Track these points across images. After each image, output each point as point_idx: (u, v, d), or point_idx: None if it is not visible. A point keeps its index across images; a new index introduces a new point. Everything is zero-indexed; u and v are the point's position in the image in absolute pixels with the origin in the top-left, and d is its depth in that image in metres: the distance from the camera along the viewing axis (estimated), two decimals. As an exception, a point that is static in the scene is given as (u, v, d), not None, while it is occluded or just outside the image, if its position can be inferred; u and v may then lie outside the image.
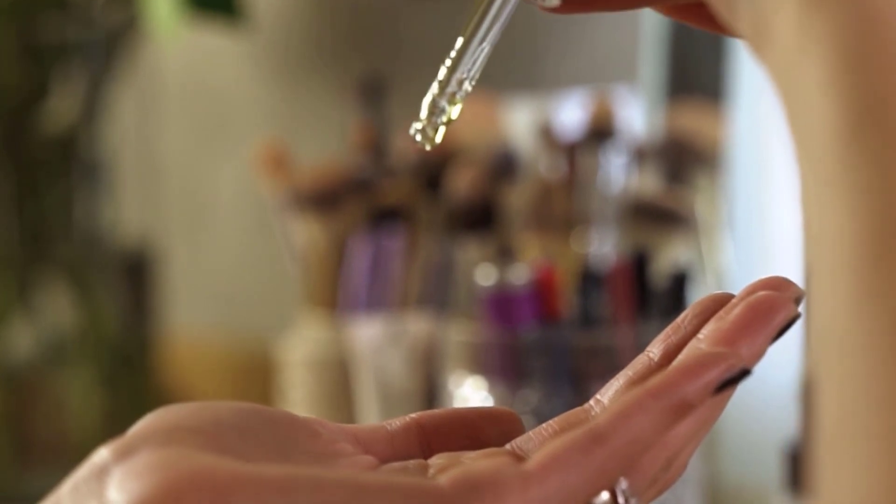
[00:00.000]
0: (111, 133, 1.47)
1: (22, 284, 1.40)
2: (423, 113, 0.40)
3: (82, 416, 1.39)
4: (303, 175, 1.04)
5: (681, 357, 0.38)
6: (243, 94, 1.46)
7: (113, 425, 1.38)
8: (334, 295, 1.02)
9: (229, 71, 1.47)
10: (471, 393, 0.83)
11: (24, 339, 1.43)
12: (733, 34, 0.35)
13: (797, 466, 0.90)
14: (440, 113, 0.40)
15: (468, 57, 0.40)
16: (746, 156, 0.99)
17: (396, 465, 0.37)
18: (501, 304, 0.81)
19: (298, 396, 1.00)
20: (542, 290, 0.82)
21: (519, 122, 1.06)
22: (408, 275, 0.97)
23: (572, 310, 0.83)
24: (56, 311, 1.42)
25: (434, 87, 0.40)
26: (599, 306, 0.83)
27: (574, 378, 0.81)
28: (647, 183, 1.01)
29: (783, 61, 0.32)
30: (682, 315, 0.40)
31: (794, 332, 1.00)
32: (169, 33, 1.27)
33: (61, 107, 1.40)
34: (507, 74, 1.24)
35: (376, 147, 1.06)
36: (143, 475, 0.33)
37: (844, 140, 0.30)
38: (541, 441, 0.37)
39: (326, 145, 1.31)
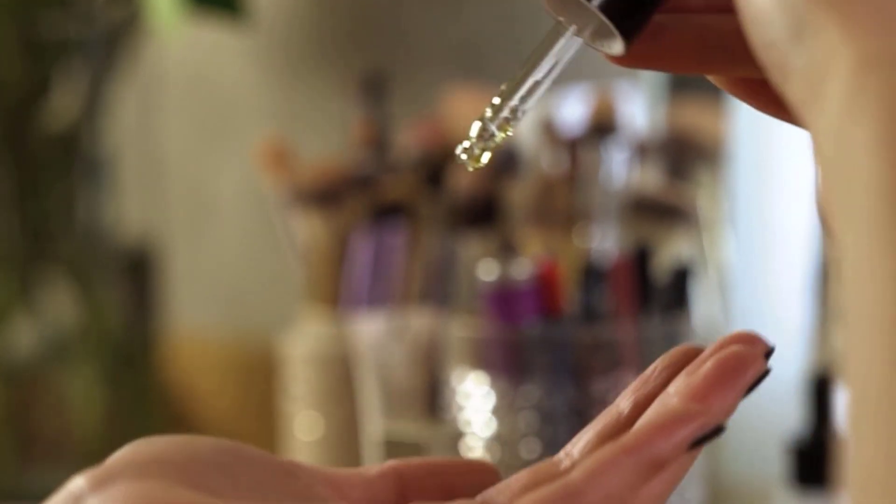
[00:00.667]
0: (113, 130, 1.47)
1: (24, 282, 1.40)
2: (473, 133, 0.40)
3: (85, 413, 1.39)
4: (304, 171, 1.04)
5: (652, 412, 0.38)
6: (245, 91, 1.46)
7: (115, 422, 1.38)
8: (336, 291, 1.02)
9: (231, 67, 1.47)
10: (473, 388, 0.83)
11: (26, 336, 1.43)
12: (798, 123, 0.34)
13: (800, 462, 0.90)
14: (489, 137, 0.40)
15: (525, 87, 0.41)
16: (748, 151, 0.99)
17: None
18: (503, 299, 0.81)
19: (301, 392, 1.00)
20: (544, 286, 0.82)
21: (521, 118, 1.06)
22: (410, 271, 0.98)
23: (574, 305, 0.83)
24: (58, 308, 1.42)
25: (487, 111, 0.40)
26: (601, 302, 0.83)
27: (576, 373, 0.81)
28: (649, 178, 1.01)
29: (833, 127, 0.32)
30: (652, 367, 0.40)
31: (800, 329, 1.00)
32: (170, 30, 1.27)
33: (63, 104, 1.40)
34: (510, 70, 1.24)
35: (378, 143, 1.06)
36: None
37: (894, 203, 0.29)
38: (512, 494, 0.37)
39: (328, 141, 1.31)
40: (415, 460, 0.40)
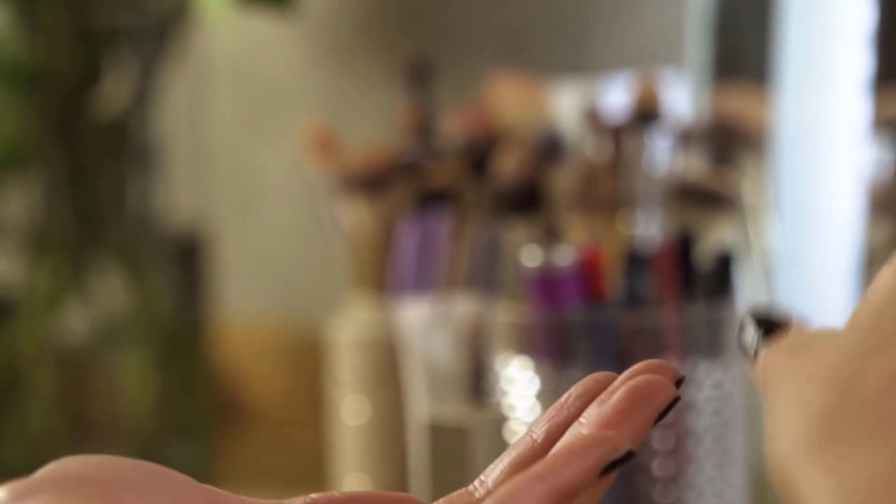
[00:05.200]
0: (163, 117, 1.48)
1: (76, 268, 1.42)
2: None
3: (135, 398, 1.40)
4: (351, 158, 1.05)
5: (564, 440, 0.39)
6: (292, 78, 1.47)
7: (165, 407, 1.40)
8: (382, 277, 1.02)
9: (278, 55, 1.48)
10: (517, 373, 0.84)
11: (78, 321, 1.45)
12: None
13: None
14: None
15: None
16: (793, 138, 0.99)
17: None
18: (547, 285, 0.82)
19: (347, 377, 1.01)
20: (588, 272, 0.82)
21: (565, 105, 1.06)
22: (455, 256, 0.98)
23: (618, 291, 0.84)
24: (109, 293, 1.43)
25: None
26: (645, 287, 0.83)
27: (619, 358, 0.81)
28: (693, 165, 1.01)
29: None
30: (566, 395, 0.40)
31: (844, 315, 1.00)
32: (219, 19, 1.29)
33: (114, 92, 1.42)
34: (554, 57, 1.24)
35: (423, 130, 1.06)
36: None
37: None
38: None
39: (374, 128, 1.32)
40: (336, 494, 0.40)
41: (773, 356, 0.35)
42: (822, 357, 0.33)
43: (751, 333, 0.37)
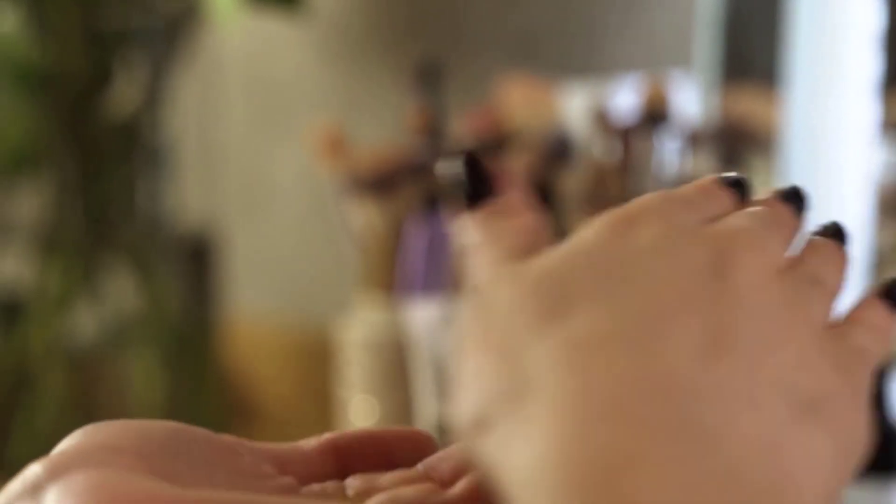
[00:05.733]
0: (173, 119, 1.49)
1: (86, 268, 1.42)
2: None
3: (145, 397, 1.41)
4: (360, 159, 1.05)
5: None
6: (302, 80, 1.47)
7: (175, 406, 1.40)
8: (391, 277, 1.03)
9: (288, 57, 1.48)
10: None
11: (88, 321, 1.45)
12: None
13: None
14: None
15: None
16: (801, 139, 0.99)
17: (315, 487, 0.38)
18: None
19: (356, 377, 1.02)
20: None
21: (574, 106, 1.06)
22: (463, 257, 0.98)
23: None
24: (120, 294, 1.44)
25: None
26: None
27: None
28: (702, 166, 1.01)
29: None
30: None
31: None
32: (228, 20, 1.29)
33: (124, 93, 1.42)
34: (563, 59, 1.24)
35: (433, 131, 1.07)
36: (80, 496, 0.34)
37: None
38: (453, 461, 0.38)
39: (384, 130, 1.32)
40: (351, 432, 0.40)
41: (481, 269, 0.35)
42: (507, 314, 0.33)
43: (456, 175, 0.38)
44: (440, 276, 0.98)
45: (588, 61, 1.23)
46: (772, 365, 0.33)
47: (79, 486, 0.34)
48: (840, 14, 0.97)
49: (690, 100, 1.07)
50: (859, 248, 0.97)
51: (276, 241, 1.52)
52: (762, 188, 1.05)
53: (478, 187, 0.37)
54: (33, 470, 0.35)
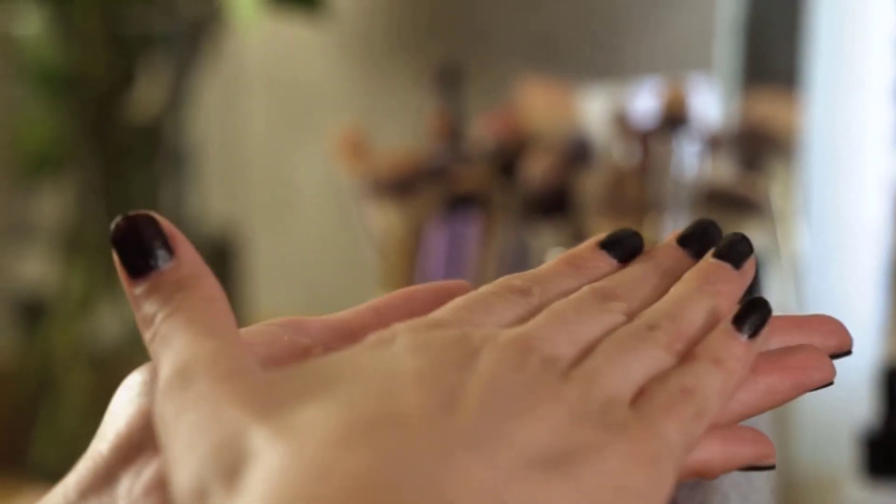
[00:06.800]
0: (196, 121, 1.49)
1: (109, 270, 1.43)
2: None
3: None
4: (381, 162, 1.05)
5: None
6: (324, 82, 1.48)
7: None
8: (411, 279, 1.03)
9: (310, 60, 1.49)
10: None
11: (111, 322, 1.46)
12: None
13: (871, 453, 0.90)
14: None
15: None
16: (822, 143, 0.99)
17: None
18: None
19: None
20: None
21: (594, 110, 1.06)
22: (483, 260, 0.99)
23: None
24: (142, 296, 1.44)
25: None
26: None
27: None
28: (722, 170, 1.01)
29: None
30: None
31: (873, 320, 0.99)
32: (250, 23, 1.29)
33: (147, 96, 1.43)
34: (583, 63, 1.24)
35: (453, 134, 1.07)
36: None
37: None
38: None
39: (404, 133, 1.32)
40: (386, 296, 0.41)
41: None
42: None
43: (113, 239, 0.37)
44: (460, 279, 0.98)
45: (608, 65, 1.23)
46: (510, 425, 0.32)
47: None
48: (861, 17, 0.97)
49: (711, 103, 1.07)
50: (879, 252, 0.97)
51: (298, 244, 1.52)
52: (782, 191, 1.04)
53: (139, 253, 0.36)
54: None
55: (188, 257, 0.37)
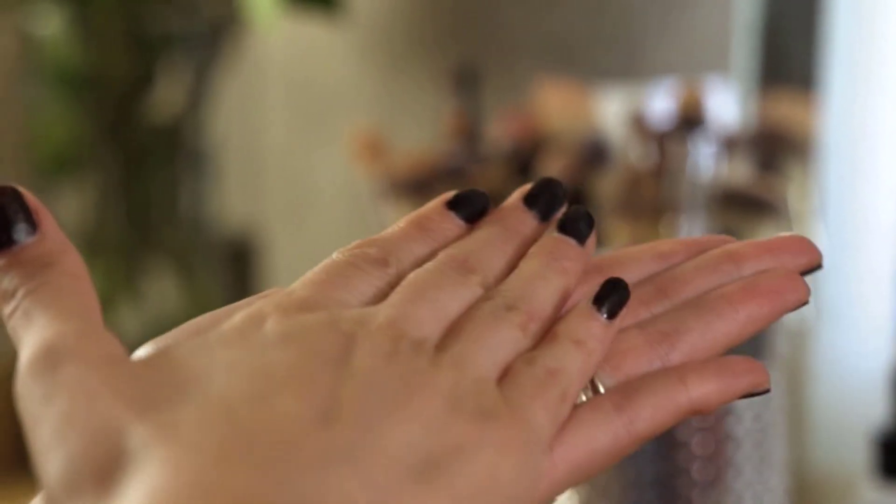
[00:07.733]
0: (215, 122, 1.50)
1: (128, 270, 1.44)
2: None
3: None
4: (398, 162, 1.06)
5: None
6: (342, 84, 1.48)
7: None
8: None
9: (329, 60, 1.49)
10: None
11: (130, 322, 1.46)
12: None
13: (885, 454, 0.90)
14: None
15: None
16: (839, 145, 0.99)
17: None
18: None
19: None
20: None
21: (611, 111, 1.06)
22: (499, 261, 0.99)
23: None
24: (162, 296, 1.45)
25: None
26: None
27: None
28: (739, 171, 1.01)
29: None
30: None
31: (888, 322, 0.99)
32: (269, 25, 1.30)
33: (167, 96, 1.43)
34: (600, 63, 1.25)
35: (470, 135, 1.07)
36: None
37: None
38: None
39: (421, 133, 1.33)
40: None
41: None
42: None
43: None
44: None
45: (625, 66, 1.23)
46: (385, 431, 0.32)
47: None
48: (878, 18, 0.97)
49: (727, 104, 1.07)
50: (895, 254, 0.97)
51: (316, 244, 1.53)
52: (800, 193, 1.04)
53: (1, 226, 0.35)
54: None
55: (52, 232, 0.36)
